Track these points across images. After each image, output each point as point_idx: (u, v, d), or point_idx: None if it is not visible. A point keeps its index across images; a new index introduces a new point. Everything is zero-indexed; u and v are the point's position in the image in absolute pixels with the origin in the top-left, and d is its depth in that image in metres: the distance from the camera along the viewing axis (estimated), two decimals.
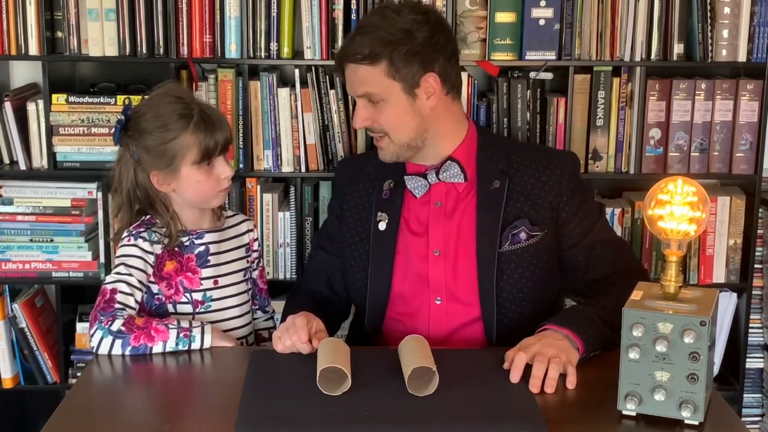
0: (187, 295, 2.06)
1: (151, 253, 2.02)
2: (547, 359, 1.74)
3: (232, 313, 2.12)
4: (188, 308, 2.07)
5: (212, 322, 2.04)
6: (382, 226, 2.12)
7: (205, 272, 2.08)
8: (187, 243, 2.08)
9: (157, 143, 2.00)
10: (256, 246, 2.24)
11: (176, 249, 2.05)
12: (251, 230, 2.22)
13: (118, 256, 2.02)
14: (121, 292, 1.95)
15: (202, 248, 2.09)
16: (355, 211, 2.19)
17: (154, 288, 2.05)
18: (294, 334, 1.84)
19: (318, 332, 1.89)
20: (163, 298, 2.05)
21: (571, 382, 1.73)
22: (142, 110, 2.04)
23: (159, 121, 2.00)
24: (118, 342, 1.88)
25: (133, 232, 2.03)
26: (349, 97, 2.65)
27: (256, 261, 2.24)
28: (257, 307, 2.27)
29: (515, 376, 1.73)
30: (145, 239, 2.02)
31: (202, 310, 2.07)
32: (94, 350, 1.90)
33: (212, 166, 2.03)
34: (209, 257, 2.09)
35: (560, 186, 2.09)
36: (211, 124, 2.01)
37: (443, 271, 2.08)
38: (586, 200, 2.15)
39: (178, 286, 2.06)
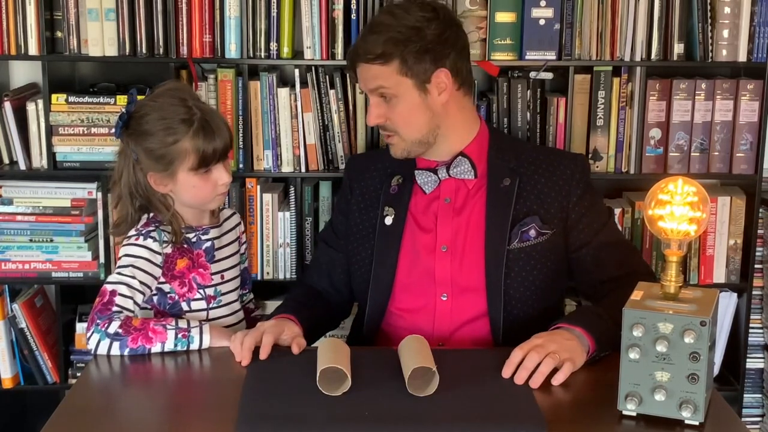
0: (201, 291, 2.06)
1: (160, 254, 2.01)
2: (545, 353, 1.73)
3: (234, 307, 2.14)
4: (202, 304, 2.07)
5: (219, 318, 2.04)
6: (388, 220, 2.13)
7: (214, 267, 2.09)
8: (194, 239, 2.07)
9: (156, 147, 1.98)
10: (244, 238, 2.27)
11: (186, 246, 2.05)
12: (239, 223, 2.24)
13: (125, 255, 2.01)
14: (120, 294, 1.94)
15: (208, 244, 2.09)
16: (363, 205, 2.19)
17: (166, 287, 2.04)
18: (244, 346, 1.84)
19: (296, 337, 1.90)
20: (176, 297, 2.05)
21: (557, 379, 1.72)
22: (145, 110, 2.02)
23: (162, 123, 1.99)
24: (116, 344, 1.87)
25: (143, 231, 2.02)
26: (349, 98, 2.65)
27: (244, 253, 2.28)
28: (246, 291, 2.32)
29: (506, 372, 1.74)
30: (154, 239, 2.01)
31: (215, 305, 2.08)
32: (92, 353, 1.89)
33: (210, 172, 2.02)
34: (215, 252, 2.10)
35: (570, 186, 2.10)
36: (210, 132, 1.99)
37: (450, 266, 2.08)
38: (596, 202, 2.16)
39: (192, 283, 2.05)
